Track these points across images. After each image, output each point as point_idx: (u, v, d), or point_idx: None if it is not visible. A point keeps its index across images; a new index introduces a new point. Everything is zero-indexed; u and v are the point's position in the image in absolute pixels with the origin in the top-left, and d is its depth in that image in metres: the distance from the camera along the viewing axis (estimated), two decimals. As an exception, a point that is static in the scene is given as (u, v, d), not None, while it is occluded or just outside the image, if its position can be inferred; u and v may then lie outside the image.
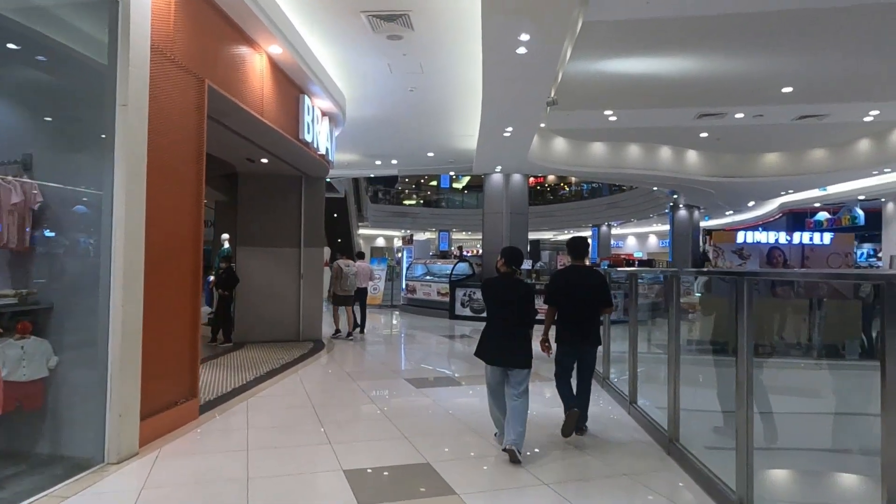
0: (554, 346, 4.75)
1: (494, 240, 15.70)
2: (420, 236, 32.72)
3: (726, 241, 9.53)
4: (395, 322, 14.49)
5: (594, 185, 32.52)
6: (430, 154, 14.48)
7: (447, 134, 12.21)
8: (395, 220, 32.83)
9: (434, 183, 40.33)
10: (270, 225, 10.02)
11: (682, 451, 4.15)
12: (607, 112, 11.20)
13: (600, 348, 5.13)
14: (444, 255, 19.09)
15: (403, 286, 16.98)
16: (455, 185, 41.05)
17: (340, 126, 10.08)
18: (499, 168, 14.84)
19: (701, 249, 27.13)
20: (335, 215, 26.32)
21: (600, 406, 5.73)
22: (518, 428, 4.12)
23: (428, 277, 16.21)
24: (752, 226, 26.35)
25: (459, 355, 9.31)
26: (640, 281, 6.72)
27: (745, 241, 9.56)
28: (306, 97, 7.73)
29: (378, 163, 15.75)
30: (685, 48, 8.37)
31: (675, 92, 10.17)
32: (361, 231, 34.63)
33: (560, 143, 14.04)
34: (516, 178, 15.97)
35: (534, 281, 13.74)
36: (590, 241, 33.63)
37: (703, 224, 27.42)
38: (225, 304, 9.60)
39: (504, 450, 4.11)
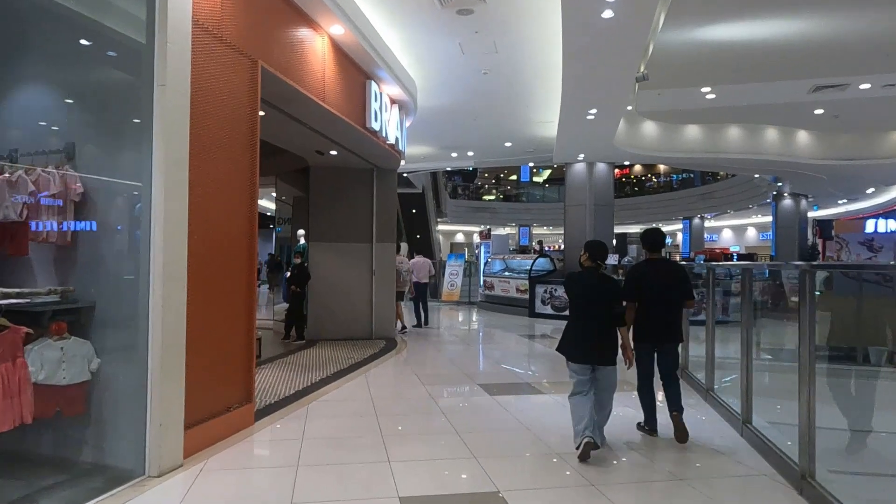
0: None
1: (577, 234, 14.78)
2: (500, 231, 32.04)
3: (851, 231, 8.22)
4: (472, 320, 13.96)
5: (685, 175, 30.50)
6: (508, 144, 13.80)
7: (525, 121, 11.49)
8: (475, 216, 32.33)
9: (514, 177, 39.45)
10: (342, 220, 9.76)
11: (820, 491, 3.29)
12: (705, 89, 10.06)
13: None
14: (523, 251, 18.33)
15: (481, 282, 16.41)
16: (535, 179, 39.97)
17: (412, 115, 9.64)
18: (581, 156, 13.90)
19: (809, 242, 24.64)
20: (413, 211, 26.17)
21: (705, 425, 4.89)
22: (603, 422, 4.20)
23: (506, 273, 15.55)
24: (874, 213, 23.53)
25: (540, 357, 8.62)
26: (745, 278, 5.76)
27: (875, 231, 8.19)
28: (373, 83, 7.31)
29: (454, 155, 15.26)
30: (800, 6, 7.20)
31: (786, 61, 8.91)
32: (440, 227, 34.45)
33: (649, 128, 12.92)
34: (600, 166, 14.95)
35: (620, 277, 12.74)
36: (681, 234, 31.65)
37: (811, 214, 24.87)
38: (297, 300, 9.43)
39: (585, 443, 3.93)
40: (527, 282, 13.98)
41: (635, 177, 35.68)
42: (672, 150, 13.11)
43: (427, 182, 24.78)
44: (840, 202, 24.53)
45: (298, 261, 9.42)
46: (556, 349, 4.34)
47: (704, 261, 15.00)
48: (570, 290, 4.41)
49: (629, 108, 11.44)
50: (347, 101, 6.68)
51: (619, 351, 4.26)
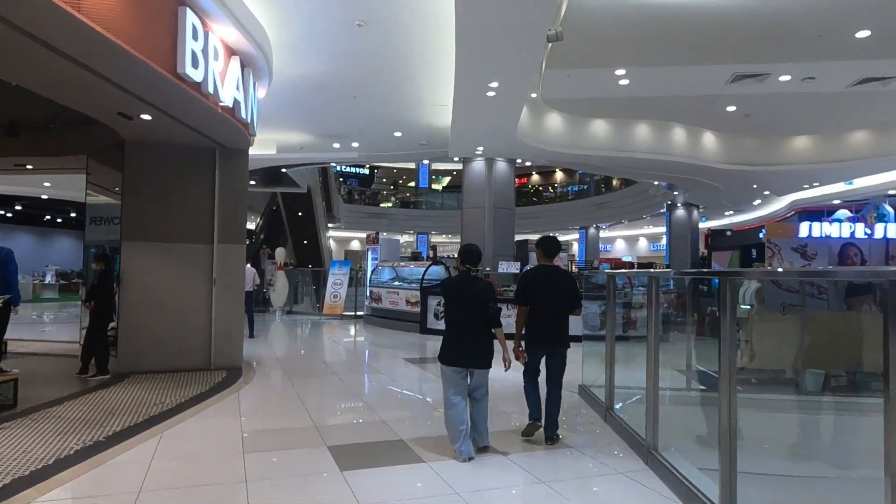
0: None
1: (475, 239, 13.19)
2: (399, 238, 30.20)
3: (783, 236, 7.19)
4: (352, 338, 11.86)
5: (581, 186, 30.75)
6: (398, 134, 11.94)
7: (416, 102, 9.67)
8: (371, 222, 30.34)
9: (412, 183, 37.99)
10: (171, 213, 7.39)
11: None
12: (619, 72, 8.75)
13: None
14: (415, 257, 16.49)
15: (367, 293, 14.36)
16: (435, 187, 38.69)
17: (266, 80, 7.47)
18: (480, 150, 12.32)
19: (700, 253, 25.04)
20: (300, 214, 23.69)
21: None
22: (484, 425, 4.32)
23: (396, 283, 13.61)
24: (760, 224, 24.14)
25: (426, 393, 6.72)
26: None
27: (809, 236, 7.26)
28: (189, 11, 5.11)
29: (336, 145, 13.15)
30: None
31: (709, 40, 7.76)
32: (334, 233, 32.09)
33: (555, 120, 11.58)
34: (501, 165, 13.49)
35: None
36: (576, 244, 31.84)
37: (701, 225, 25.29)
38: (98, 321, 6.91)
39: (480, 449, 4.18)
40: (418, 293, 12.13)
41: (533, 186, 35.45)
42: (578, 146, 11.85)
43: (314, 182, 22.39)
44: (727, 213, 25.10)
45: (99, 268, 6.93)
46: (438, 357, 4.35)
47: (610, 268, 13.98)
48: (445, 294, 4.52)
49: (534, 94, 9.99)
50: (137, 24, 4.45)
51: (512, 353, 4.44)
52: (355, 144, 13.02)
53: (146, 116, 6.13)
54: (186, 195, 7.48)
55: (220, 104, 5.96)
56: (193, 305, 7.45)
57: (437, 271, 12.69)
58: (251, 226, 28.60)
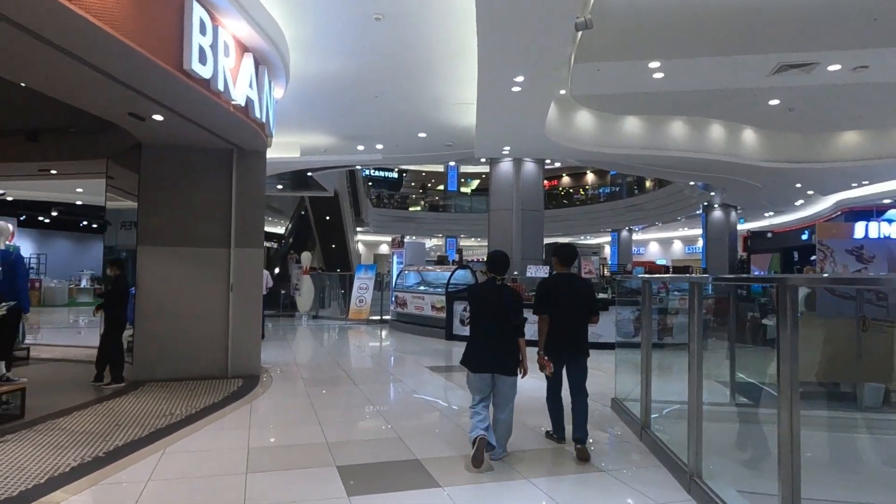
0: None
1: (503, 242, 12.80)
2: (427, 241, 29.91)
3: (836, 237, 6.59)
4: (377, 344, 11.57)
5: (613, 188, 29.98)
6: (422, 135, 11.64)
7: (439, 101, 9.34)
8: (400, 226, 30.17)
9: (441, 187, 37.75)
10: (187, 216, 7.22)
11: None
12: (653, 64, 8.25)
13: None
14: (440, 261, 16.15)
15: (392, 298, 14.07)
16: (464, 190, 38.35)
17: (282, 79, 7.24)
18: (507, 150, 11.91)
19: (738, 256, 24.07)
20: (327, 218, 23.64)
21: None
22: (505, 439, 4.26)
23: (422, 288, 13.29)
24: (801, 227, 23.12)
25: (452, 405, 6.35)
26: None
27: (865, 237, 6.64)
28: (196, 4, 4.88)
29: (360, 148, 12.93)
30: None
31: (751, 28, 7.22)
32: (363, 237, 32.02)
33: (585, 118, 11.10)
34: (529, 166, 13.07)
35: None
36: (608, 247, 31.13)
37: (739, 227, 24.31)
38: (113, 328, 6.75)
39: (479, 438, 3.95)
40: (444, 298, 11.78)
41: (564, 188, 34.80)
42: (610, 144, 11.34)
43: (342, 186, 22.30)
44: (767, 215, 24.09)
45: (114, 273, 6.78)
46: (461, 361, 4.28)
47: (645, 272, 13.42)
48: (471, 300, 4.48)
49: (562, 91, 9.54)
50: (138, 17, 4.22)
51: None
52: (380, 146, 12.77)
53: (158, 117, 5.94)
54: (203, 198, 7.30)
55: (233, 103, 5.72)
56: (210, 311, 7.26)
57: (463, 275, 12.32)
58: (280, 230, 28.73)
